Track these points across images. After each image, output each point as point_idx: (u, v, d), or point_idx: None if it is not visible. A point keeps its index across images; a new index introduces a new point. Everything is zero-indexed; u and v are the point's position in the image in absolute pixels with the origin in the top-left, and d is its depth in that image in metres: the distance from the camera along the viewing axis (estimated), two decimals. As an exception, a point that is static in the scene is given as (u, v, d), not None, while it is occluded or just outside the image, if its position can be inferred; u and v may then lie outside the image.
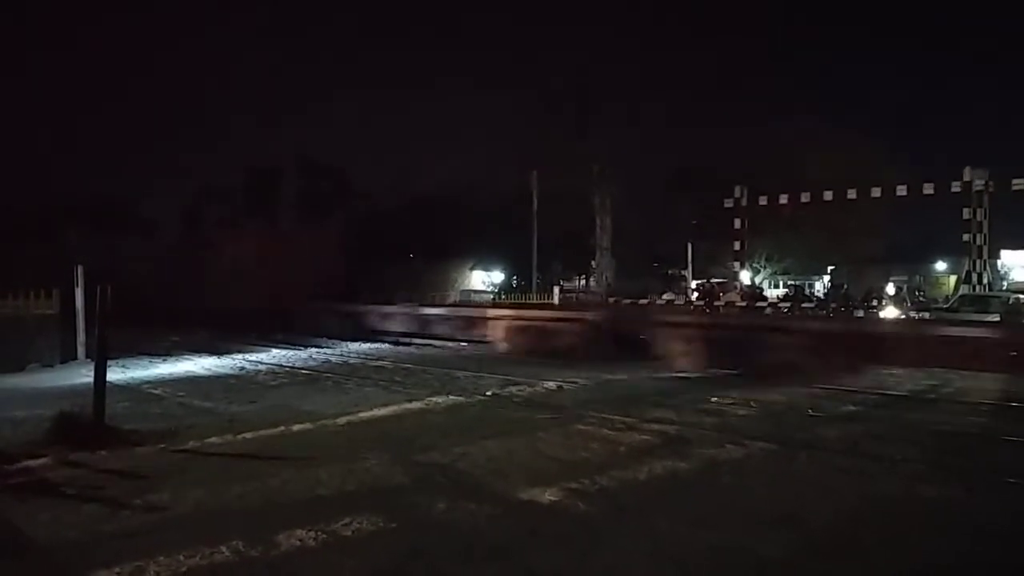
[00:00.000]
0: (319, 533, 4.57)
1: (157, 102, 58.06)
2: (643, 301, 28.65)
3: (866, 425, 7.65)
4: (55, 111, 53.17)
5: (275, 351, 15.86)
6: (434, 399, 9.41)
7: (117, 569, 4.07)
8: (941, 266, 40.46)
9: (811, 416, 8.17)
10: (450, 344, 16.65)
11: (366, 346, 16.82)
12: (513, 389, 10.14)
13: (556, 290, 32.22)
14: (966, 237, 23.76)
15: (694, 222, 36.74)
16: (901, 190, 25.46)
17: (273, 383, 11.30)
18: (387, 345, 16.87)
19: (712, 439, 6.96)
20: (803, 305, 27.46)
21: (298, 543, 4.44)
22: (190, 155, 56.86)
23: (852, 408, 8.78)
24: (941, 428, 7.58)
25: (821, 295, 35.02)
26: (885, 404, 9.08)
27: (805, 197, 26.75)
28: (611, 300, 29.41)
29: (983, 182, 23.29)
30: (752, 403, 8.92)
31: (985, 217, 23.55)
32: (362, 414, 8.45)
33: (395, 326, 20.03)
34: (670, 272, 40.45)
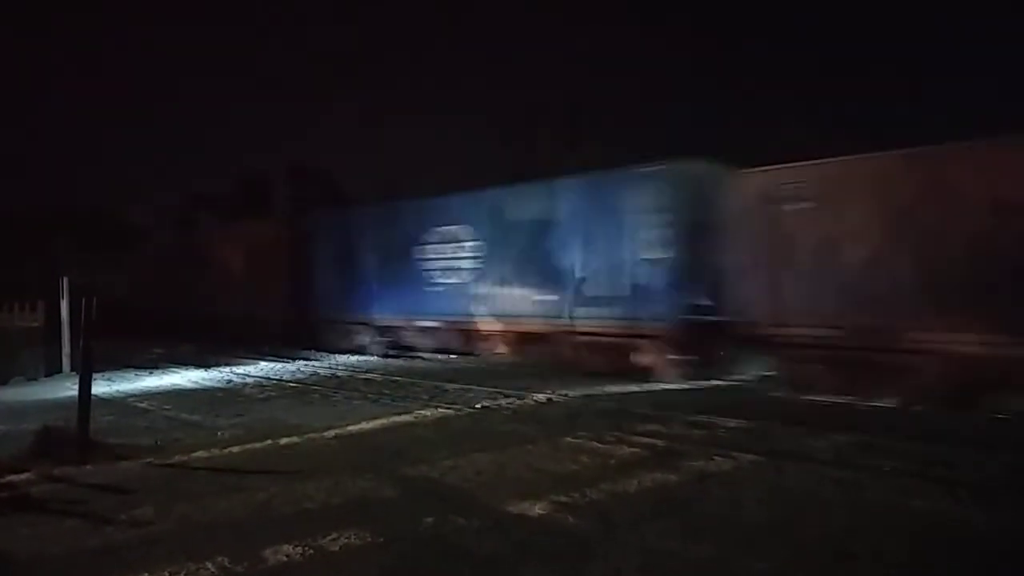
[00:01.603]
0: (306, 548, 4.52)
1: (147, 109, 57.92)
2: None
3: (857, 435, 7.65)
4: (44, 120, 53.01)
5: (263, 364, 15.77)
6: (423, 412, 9.37)
7: (100, 586, 4.02)
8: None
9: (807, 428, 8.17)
10: (439, 356, 16.59)
11: (355, 358, 16.75)
12: (503, 401, 10.10)
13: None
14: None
15: None
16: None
17: (260, 396, 11.23)
18: (376, 357, 16.80)
19: (701, 452, 6.95)
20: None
21: (284, 559, 4.39)
22: (180, 162, 56.71)
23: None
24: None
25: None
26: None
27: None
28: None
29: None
30: (742, 418, 8.93)
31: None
32: (350, 427, 8.40)
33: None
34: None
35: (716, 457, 6.72)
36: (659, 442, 7.41)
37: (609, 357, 12.62)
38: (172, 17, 60.53)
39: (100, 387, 10.92)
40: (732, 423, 8.38)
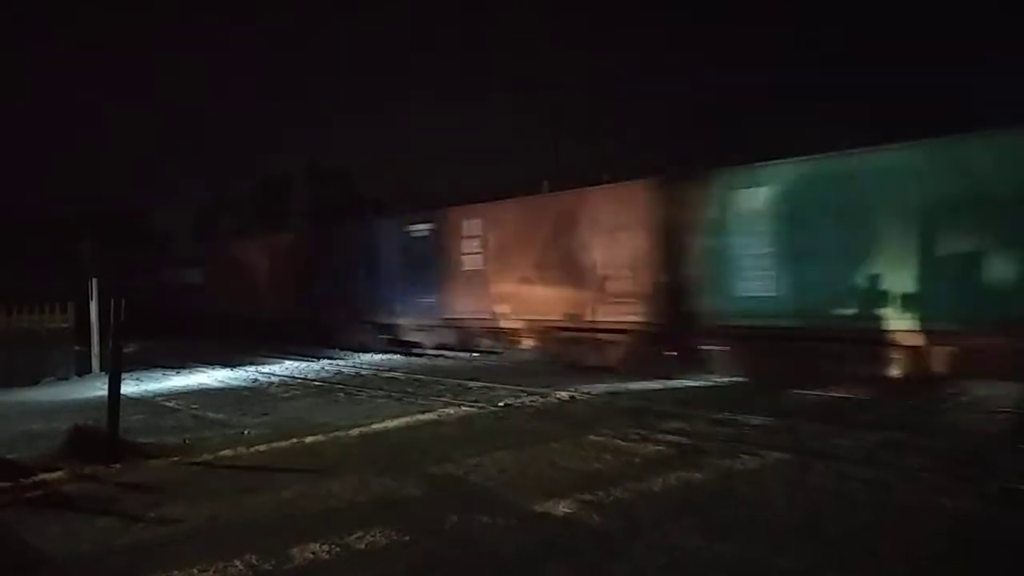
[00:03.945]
0: (332, 546, 4.56)
1: (172, 111, 58.62)
2: None
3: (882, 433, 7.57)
4: (70, 124, 53.79)
5: (287, 363, 15.90)
6: (447, 410, 9.40)
7: (131, 583, 4.08)
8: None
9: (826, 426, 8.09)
10: (462, 354, 16.63)
11: (378, 357, 16.83)
12: (526, 400, 10.11)
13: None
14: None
15: None
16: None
17: (285, 395, 11.32)
18: (399, 356, 16.87)
19: (726, 449, 6.91)
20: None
21: (311, 556, 4.43)
22: (203, 166, 57.31)
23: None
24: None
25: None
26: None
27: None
28: None
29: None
30: (766, 413, 8.86)
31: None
32: (374, 426, 8.45)
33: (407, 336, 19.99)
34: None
35: (742, 455, 6.68)
36: (684, 440, 7.37)
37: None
38: (194, 18, 61.18)
39: (129, 387, 11.08)
40: (757, 420, 8.32)
